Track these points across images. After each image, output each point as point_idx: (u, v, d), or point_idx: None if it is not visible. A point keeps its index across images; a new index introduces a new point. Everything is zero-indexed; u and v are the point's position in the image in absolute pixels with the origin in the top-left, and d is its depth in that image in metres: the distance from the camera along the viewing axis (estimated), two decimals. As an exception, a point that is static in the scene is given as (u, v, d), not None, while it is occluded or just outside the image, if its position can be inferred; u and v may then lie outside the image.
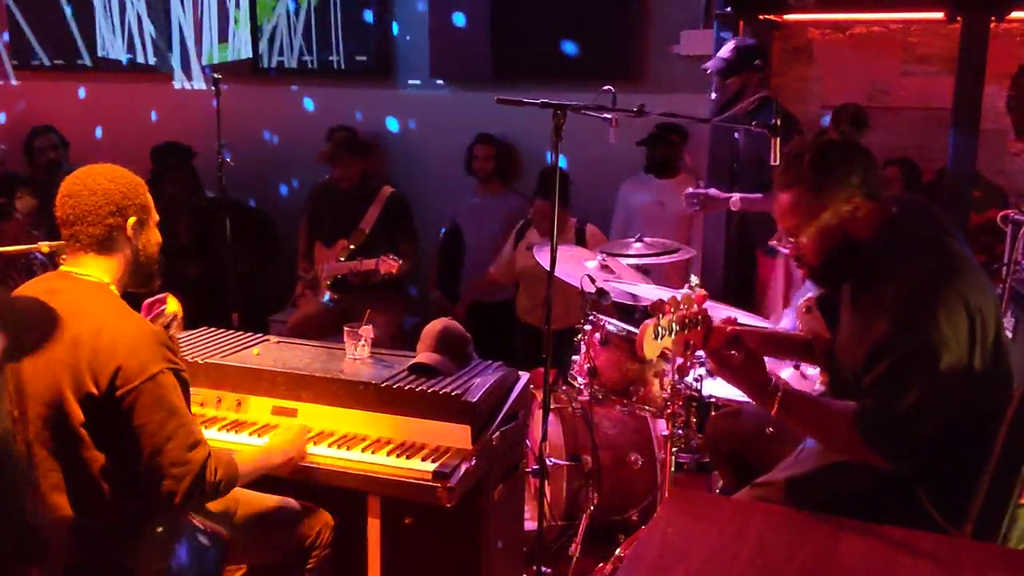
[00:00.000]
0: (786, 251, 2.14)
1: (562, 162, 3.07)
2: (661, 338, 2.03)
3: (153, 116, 5.99)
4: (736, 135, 4.07)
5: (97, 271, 2.02)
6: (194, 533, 2.08)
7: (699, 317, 2.10)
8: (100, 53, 6.01)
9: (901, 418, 1.90)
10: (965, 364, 1.91)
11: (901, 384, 1.91)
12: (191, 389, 2.58)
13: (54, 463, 1.90)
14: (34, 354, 1.89)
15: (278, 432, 2.46)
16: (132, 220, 2.04)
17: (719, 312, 3.03)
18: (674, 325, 2.04)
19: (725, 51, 3.99)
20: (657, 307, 2.06)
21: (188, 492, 1.92)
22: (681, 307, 2.07)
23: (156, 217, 2.13)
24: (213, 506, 2.17)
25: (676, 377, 2.84)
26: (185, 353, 2.65)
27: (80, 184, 2.01)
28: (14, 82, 6.38)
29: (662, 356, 2.87)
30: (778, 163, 2.83)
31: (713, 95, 4.07)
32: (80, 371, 1.86)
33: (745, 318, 3.09)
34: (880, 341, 1.94)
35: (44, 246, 2.31)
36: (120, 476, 1.92)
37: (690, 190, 4.03)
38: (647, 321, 1.96)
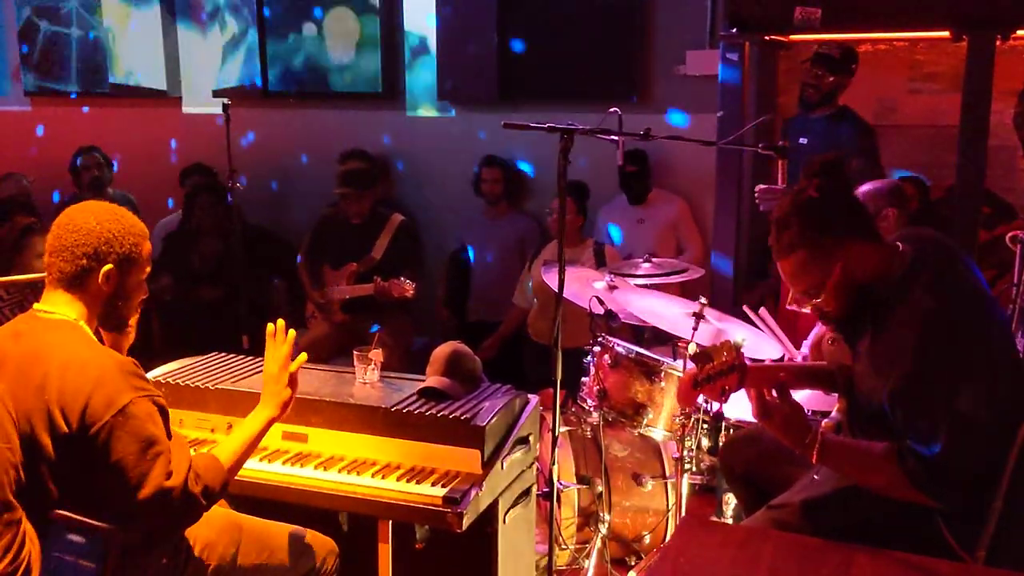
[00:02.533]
0: (807, 311, 2.15)
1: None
2: (700, 387, 2.12)
3: (167, 140, 6.04)
4: (802, 140, 3.98)
5: (64, 308, 1.95)
6: (62, 531, 1.89)
7: (736, 363, 2.16)
8: (112, 79, 6.07)
9: (940, 458, 1.89)
10: (989, 391, 1.90)
11: (931, 423, 1.90)
12: (204, 415, 2.61)
13: (17, 502, 1.83)
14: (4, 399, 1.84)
15: (263, 395, 2.24)
16: (108, 268, 1.94)
17: (736, 329, 3.04)
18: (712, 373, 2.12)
19: (828, 47, 3.96)
20: (700, 358, 2.12)
21: (175, 518, 1.88)
22: (723, 355, 2.14)
23: (146, 269, 2.04)
24: (220, 536, 2.15)
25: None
26: (197, 379, 2.67)
27: (69, 218, 1.97)
28: (27, 108, 6.45)
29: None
30: (785, 185, 2.86)
31: (810, 90, 4.04)
32: (51, 411, 1.81)
33: (765, 343, 3.09)
34: (903, 377, 1.93)
35: (57, 273, 2.33)
36: (83, 511, 1.86)
37: (762, 186, 3.79)
38: (688, 370, 2.00)
